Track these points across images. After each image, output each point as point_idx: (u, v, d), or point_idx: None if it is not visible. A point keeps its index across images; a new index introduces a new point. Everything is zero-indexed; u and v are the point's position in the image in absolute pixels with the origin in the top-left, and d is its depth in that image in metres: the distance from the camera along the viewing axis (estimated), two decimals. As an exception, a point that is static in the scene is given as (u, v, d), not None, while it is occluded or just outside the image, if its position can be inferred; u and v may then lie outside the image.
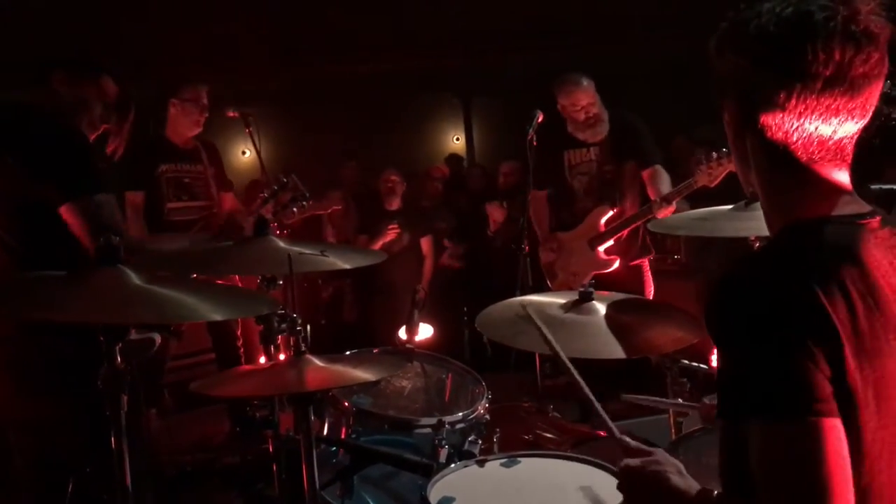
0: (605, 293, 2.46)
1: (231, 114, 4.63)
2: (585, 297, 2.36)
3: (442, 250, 6.59)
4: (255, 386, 2.10)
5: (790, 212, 1.27)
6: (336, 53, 8.42)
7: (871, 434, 1.15)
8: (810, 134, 1.23)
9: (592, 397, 1.74)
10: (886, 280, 1.20)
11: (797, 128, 1.23)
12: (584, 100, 4.40)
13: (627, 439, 1.59)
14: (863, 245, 1.21)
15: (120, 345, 1.82)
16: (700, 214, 2.80)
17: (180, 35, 7.28)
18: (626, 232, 4.40)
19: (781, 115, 1.23)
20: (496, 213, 6.51)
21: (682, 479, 1.39)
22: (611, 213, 4.41)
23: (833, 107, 1.21)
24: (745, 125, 1.29)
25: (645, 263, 4.60)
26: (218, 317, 1.84)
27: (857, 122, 1.24)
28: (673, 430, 2.59)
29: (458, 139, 11.65)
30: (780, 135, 1.25)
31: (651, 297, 4.46)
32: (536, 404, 3.97)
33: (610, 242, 4.42)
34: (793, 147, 1.25)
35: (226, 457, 3.91)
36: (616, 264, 4.43)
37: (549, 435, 3.26)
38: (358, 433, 2.56)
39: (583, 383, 1.77)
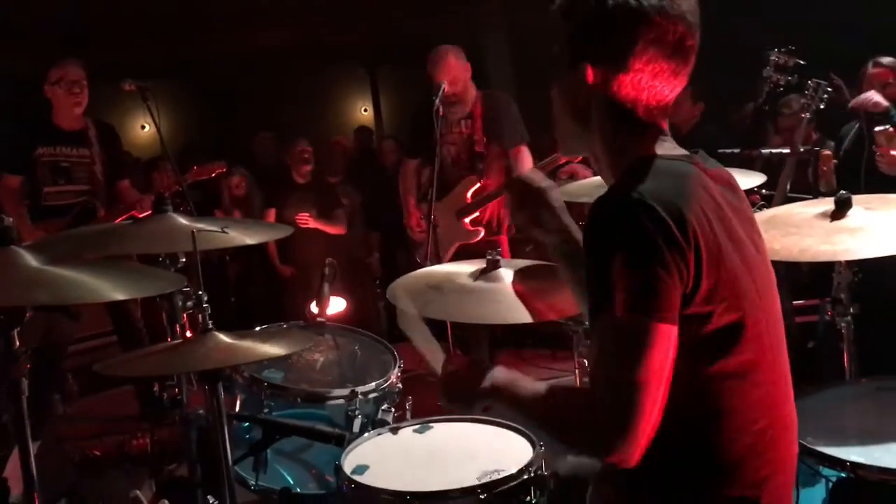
0: (514, 260, 2.51)
1: (128, 87, 4.45)
2: (493, 265, 2.41)
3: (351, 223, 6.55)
4: (162, 364, 2.06)
5: (633, 152, 1.47)
6: (237, 23, 8.20)
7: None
8: (657, 92, 1.44)
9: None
10: (722, 198, 1.44)
11: (648, 86, 1.42)
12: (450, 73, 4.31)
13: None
14: (698, 173, 1.45)
15: (18, 329, 1.77)
16: (601, 182, 2.86)
17: (79, 6, 6.98)
18: (490, 207, 4.46)
19: (638, 76, 1.41)
20: None
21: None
22: (477, 185, 4.47)
23: (674, 70, 1.43)
24: (597, 86, 1.44)
25: (503, 239, 4.61)
26: (120, 296, 1.79)
27: (681, 86, 1.47)
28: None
29: (365, 110, 11.56)
30: (632, 93, 1.43)
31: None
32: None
33: (476, 214, 4.48)
34: (640, 104, 1.45)
35: (134, 439, 3.83)
36: (481, 235, 4.49)
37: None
38: (270, 408, 2.55)
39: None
